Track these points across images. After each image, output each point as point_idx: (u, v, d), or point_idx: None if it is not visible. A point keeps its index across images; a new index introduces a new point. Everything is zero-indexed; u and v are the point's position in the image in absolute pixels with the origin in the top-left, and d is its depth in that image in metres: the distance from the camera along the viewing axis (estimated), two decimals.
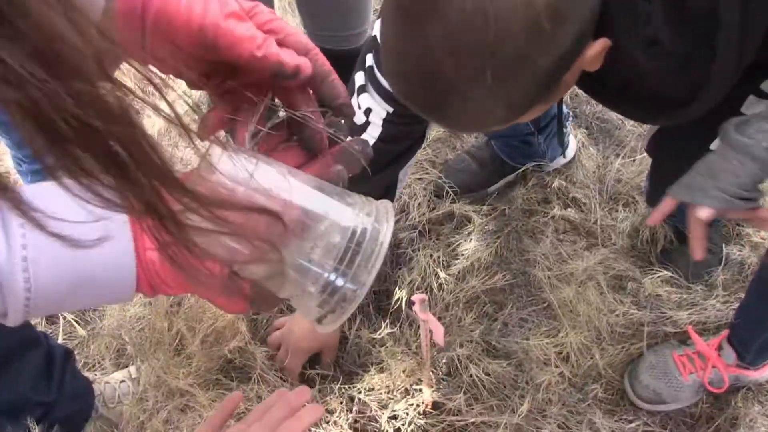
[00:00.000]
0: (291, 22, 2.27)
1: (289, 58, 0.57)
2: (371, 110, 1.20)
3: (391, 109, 1.18)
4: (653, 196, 1.28)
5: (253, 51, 0.55)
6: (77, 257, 0.54)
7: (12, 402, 1.29)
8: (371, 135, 1.23)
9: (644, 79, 0.94)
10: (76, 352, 1.47)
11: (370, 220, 0.54)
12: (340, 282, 0.53)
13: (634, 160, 1.90)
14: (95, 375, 1.55)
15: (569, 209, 1.83)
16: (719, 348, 1.44)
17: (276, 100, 0.63)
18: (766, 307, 1.34)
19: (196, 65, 0.59)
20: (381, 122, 1.21)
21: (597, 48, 0.85)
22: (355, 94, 1.22)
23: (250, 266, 0.54)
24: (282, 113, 0.62)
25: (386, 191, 1.34)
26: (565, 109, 1.84)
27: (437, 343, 1.20)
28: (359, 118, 1.22)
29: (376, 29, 1.15)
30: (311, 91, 0.62)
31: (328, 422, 1.38)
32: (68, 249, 0.48)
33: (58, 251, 0.51)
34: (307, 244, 0.53)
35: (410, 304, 1.48)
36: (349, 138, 0.62)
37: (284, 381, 1.47)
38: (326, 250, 0.53)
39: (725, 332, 1.45)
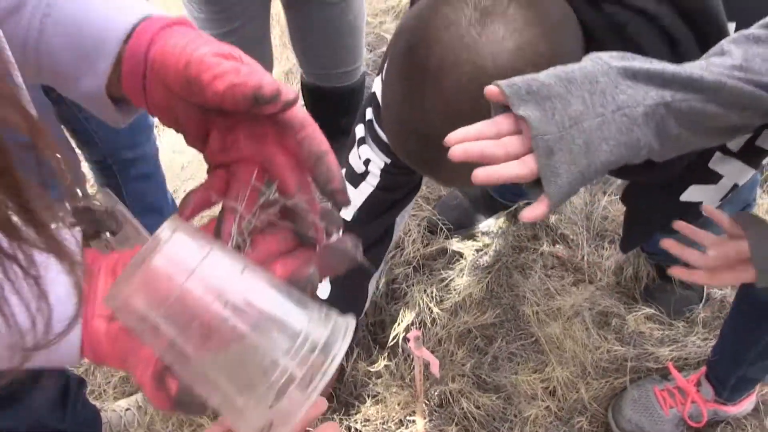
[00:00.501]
0: (288, 57, 2.35)
1: (272, 82, 0.53)
2: (370, 161, 1.28)
3: (388, 161, 1.26)
4: (626, 244, 1.36)
5: (231, 80, 0.52)
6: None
7: (30, 427, 1.35)
8: (370, 183, 1.30)
9: None
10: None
11: (321, 338, 0.49)
12: (269, 401, 0.48)
13: (620, 199, 1.98)
14: (102, 404, 1.62)
15: (557, 245, 1.91)
16: (698, 383, 1.52)
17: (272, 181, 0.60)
18: (740, 345, 1.41)
19: (190, 113, 0.58)
20: (379, 172, 1.28)
21: None
22: (356, 146, 1.30)
23: (177, 367, 0.50)
24: (273, 195, 0.59)
25: (385, 234, 1.42)
26: None
27: (433, 374, 1.28)
28: (359, 168, 1.30)
29: (375, 86, 1.22)
30: (309, 177, 0.59)
31: None
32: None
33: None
34: (236, 354, 0.49)
35: (405, 339, 1.55)
36: (341, 234, 0.59)
37: None
38: (261, 366, 0.48)
39: (704, 368, 1.52)
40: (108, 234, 0.87)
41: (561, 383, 1.58)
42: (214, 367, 0.49)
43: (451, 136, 0.75)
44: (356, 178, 1.31)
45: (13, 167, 0.37)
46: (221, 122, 0.59)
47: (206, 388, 0.50)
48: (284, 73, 2.35)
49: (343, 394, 1.60)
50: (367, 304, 1.53)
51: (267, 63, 1.80)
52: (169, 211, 1.72)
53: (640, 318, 1.71)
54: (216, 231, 0.57)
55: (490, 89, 0.75)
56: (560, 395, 1.57)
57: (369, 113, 1.26)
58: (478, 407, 1.53)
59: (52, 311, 0.44)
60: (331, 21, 1.71)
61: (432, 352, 1.58)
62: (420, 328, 1.67)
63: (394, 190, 1.32)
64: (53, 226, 0.42)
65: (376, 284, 1.64)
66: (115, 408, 1.62)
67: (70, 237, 0.46)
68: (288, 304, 0.51)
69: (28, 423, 1.35)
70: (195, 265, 0.48)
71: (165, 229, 0.50)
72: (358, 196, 1.33)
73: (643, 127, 0.74)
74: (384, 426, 1.51)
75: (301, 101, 2.08)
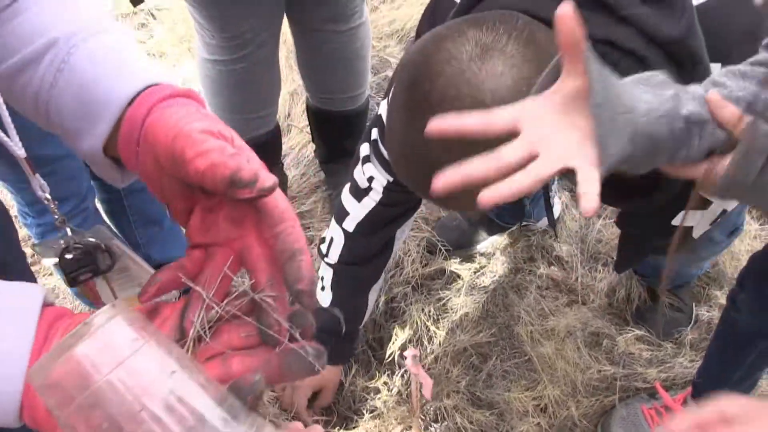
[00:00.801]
0: (294, 79, 2.43)
1: (251, 167, 0.53)
2: (373, 178, 1.35)
3: (391, 179, 1.33)
4: (620, 265, 1.41)
5: (213, 159, 0.52)
6: None
7: None
8: (372, 199, 1.38)
9: None
10: None
11: None
12: None
13: (615, 222, 2.04)
14: None
15: (552, 267, 1.97)
16: (684, 403, 1.57)
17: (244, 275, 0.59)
18: (724, 368, 1.47)
19: (175, 187, 0.58)
20: (382, 189, 1.35)
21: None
22: (360, 163, 1.37)
23: None
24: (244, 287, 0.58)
25: (385, 246, 1.49)
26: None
27: (425, 396, 1.34)
28: (363, 183, 1.37)
29: (381, 108, 1.29)
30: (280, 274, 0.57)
31: None
32: None
33: None
34: None
35: (402, 356, 1.62)
36: (304, 342, 0.55)
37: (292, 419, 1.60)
38: None
39: (689, 389, 1.58)
40: (101, 269, 0.92)
41: (552, 401, 1.64)
42: None
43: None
44: (360, 193, 1.38)
45: None
46: (204, 201, 0.59)
47: None
48: (289, 93, 2.43)
49: (342, 408, 1.66)
50: (368, 316, 1.59)
51: (275, 86, 1.88)
52: (168, 224, 1.79)
53: (630, 339, 1.78)
54: (180, 315, 0.56)
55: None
56: (551, 412, 1.63)
57: (374, 133, 1.33)
58: (471, 423, 1.59)
59: None
60: (338, 49, 1.78)
61: (428, 369, 1.65)
62: (417, 345, 1.73)
63: (395, 206, 1.39)
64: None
65: (376, 299, 1.71)
66: None
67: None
68: (215, 414, 0.48)
69: None
70: (120, 359, 0.46)
71: (104, 311, 0.48)
72: (360, 209, 1.40)
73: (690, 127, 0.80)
74: None
75: (305, 121, 2.15)
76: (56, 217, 0.85)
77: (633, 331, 1.79)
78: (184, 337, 0.55)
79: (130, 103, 0.60)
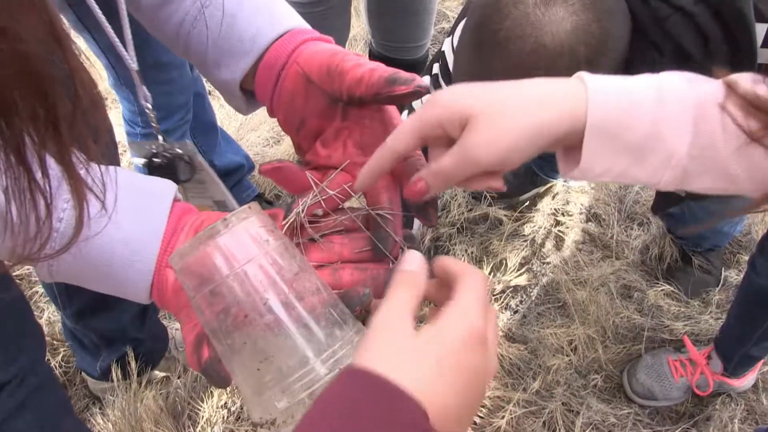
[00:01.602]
0: (352, 24, 2.50)
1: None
2: None
3: None
4: (657, 205, 1.47)
5: (371, 67, 0.60)
6: (101, 251, 0.59)
7: (114, 332, 1.55)
8: None
9: None
10: None
11: (345, 359, 0.50)
12: (296, 395, 0.49)
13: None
14: (169, 322, 1.81)
15: (590, 223, 2.07)
16: (708, 357, 1.67)
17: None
18: (745, 327, 1.56)
19: (319, 102, 0.64)
20: None
21: None
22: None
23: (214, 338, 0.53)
24: (354, 204, 0.62)
25: None
26: None
27: None
28: None
29: (445, 45, 1.38)
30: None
31: None
32: (94, 240, 0.56)
33: (87, 235, 0.55)
34: (269, 344, 0.50)
35: None
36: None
37: None
38: (290, 360, 0.50)
39: (713, 345, 1.68)
40: (181, 179, 0.99)
41: (582, 342, 1.74)
42: (245, 351, 0.50)
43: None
44: None
45: (47, 74, 0.36)
46: (338, 122, 0.64)
47: (232, 365, 0.52)
48: (349, 39, 2.51)
49: None
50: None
51: (345, 31, 1.96)
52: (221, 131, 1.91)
53: (659, 294, 1.87)
54: (286, 212, 0.62)
55: None
56: (581, 352, 1.74)
57: (435, 68, 1.42)
58: (507, 355, 1.71)
59: (52, 230, 0.44)
60: (409, 2, 1.87)
61: None
62: None
63: None
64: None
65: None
66: (179, 328, 1.81)
67: (97, 170, 0.45)
68: (327, 316, 0.52)
69: (116, 328, 1.55)
70: (251, 256, 0.51)
71: (241, 212, 0.53)
72: None
73: None
74: None
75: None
76: (153, 125, 0.93)
77: (663, 286, 1.89)
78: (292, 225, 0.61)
79: (269, 46, 0.66)
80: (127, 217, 0.60)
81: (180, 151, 0.97)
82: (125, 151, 2.17)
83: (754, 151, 0.59)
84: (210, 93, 2.30)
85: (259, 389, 0.50)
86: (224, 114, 2.36)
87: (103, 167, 0.45)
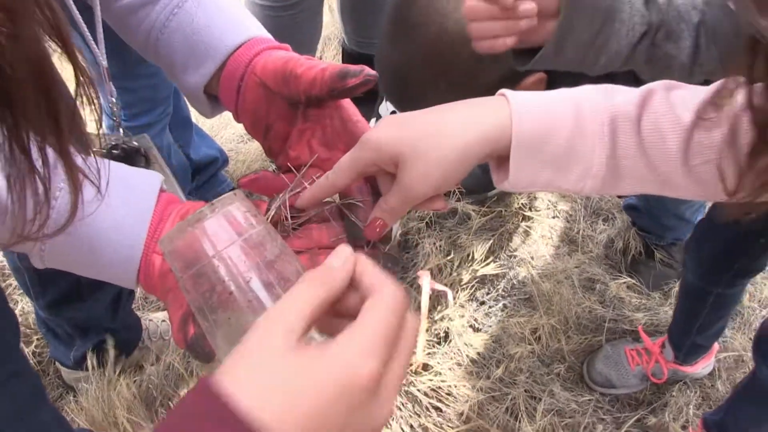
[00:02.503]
0: (325, 24, 2.55)
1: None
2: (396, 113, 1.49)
3: None
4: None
5: (322, 67, 0.63)
6: (92, 237, 0.62)
7: (87, 322, 1.58)
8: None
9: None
10: None
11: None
12: None
13: None
14: (142, 314, 1.84)
15: (556, 218, 2.13)
16: (662, 346, 1.74)
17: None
18: (685, 319, 1.63)
19: (280, 109, 0.68)
20: None
21: (532, 79, 1.07)
22: (384, 100, 1.51)
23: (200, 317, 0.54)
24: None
25: None
26: None
27: (448, 302, 1.49)
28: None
29: None
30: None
31: None
32: (85, 225, 0.58)
33: (78, 220, 0.55)
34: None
35: (416, 276, 1.78)
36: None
37: None
38: None
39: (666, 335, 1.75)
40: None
41: (546, 332, 1.80)
42: (229, 327, 0.52)
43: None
44: None
45: (53, 75, 0.40)
46: (301, 123, 0.68)
47: (216, 341, 0.54)
48: (323, 38, 2.55)
49: None
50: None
51: (317, 33, 1.99)
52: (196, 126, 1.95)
53: (621, 286, 1.94)
54: (268, 206, 0.67)
55: None
56: (544, 342, 1.79)
57: None
58: (470, 345, 1.76)
59: (50, 212, 0.47)
60: None
61: (437, 296, 1.81)
62: (432, 276, 1.89)
63: None
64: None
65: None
66: (152, 318, 1.84)
67: (92, 161, 0.50)
68: None
69: (89, 318, 1.57)
70: (235, 239, 0.53)
71: (227, 197, 0.55)
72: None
73: None
74: None
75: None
76: (115, 119, 0.97)
77: (625, 279, 1.95)
78: (270, 215, 0.66)
79: (233, 51, 0.70)
80: (117, 205, 0.64)
81: (137, 144, 1.01)
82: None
83: (697, 167, 0.65)
84: None
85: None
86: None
87: (97, 158, 0.49)
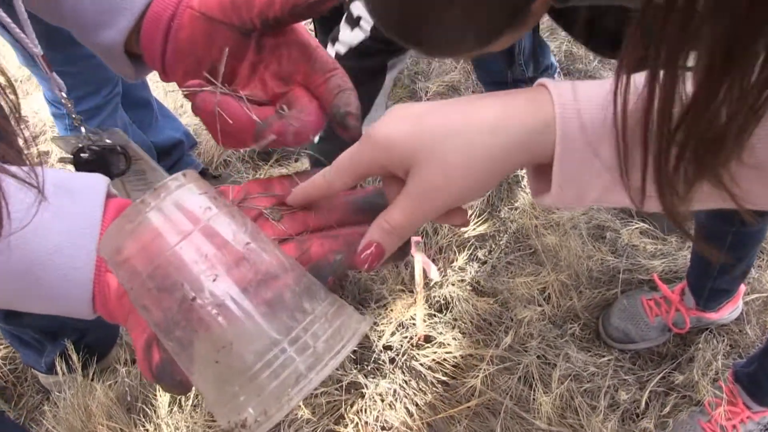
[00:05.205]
0: None
1: None
2: (361, 17, 1.33)
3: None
4: None
5: None
6: (30, 262, 0.52)
7: (52, 326, 1.45)
8: (363, 30, 1.35)
9: (603, 17, 1.03)
10: None
11: (322, 335, 0.44)
12: (263, 385, 0.42)
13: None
14: None
15: None
16: (682, 293, 1.60)
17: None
18: (701, 263, 1.50)
19: (229, 39, 0.59)
20: (369, 28, 1.34)
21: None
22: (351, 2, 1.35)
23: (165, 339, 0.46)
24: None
25: (377, 73, 1.46)
26: (553, 61, 1.96)
27: (431, 277, 1.35)
28: (355, 15, 1.36)
29: None
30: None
31: None
32: (18, 249, 0.49)
33: (11, 248, 0.50)
34: (224, 334, 0.43)
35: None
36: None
37: None
38: (236, 362, 0.42)
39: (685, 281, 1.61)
40: (114, 173, 0.90)
41: (555, 290, 1.66)
42: (199, 343, 0.43)
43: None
44: (353, 22, 1.36)
45: None
46: (252, 55, 0.59)
47: (186, 364, 0.44)
48: None
49: (347, 298, 1.69)
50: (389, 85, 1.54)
51: None
52: (156, 105, 1.80)
53: (634, 232, 1.78)
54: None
55: None
56: (554, 302, 1.65)
57: None
58: (476, 310, 1.62)
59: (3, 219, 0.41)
60: None
61: (433, 260, 1.66)
62: (422, 235, 1.74)
63: (384, 42, 1.37)
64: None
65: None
66: None
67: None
68: (292, 288, 0.45)
69: (54, 323, 1.45)
70: (192, 228, 0.44)
71: (174, 179, 0.46)
72: (352, 37, 1.37)
73: None
74: (387, 328, 1.60)
75: None
76: (74, 116, 0.83)
77: (638, 224, 1.80)
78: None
79: None
80: (55, 221, 0.52)
81: (109, 141, 0.87)
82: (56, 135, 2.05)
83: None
84: None
85: (221, 386, 0.43)
86: (161, 89, 2.23)
87: (28, 168, 0.40)
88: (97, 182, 0.56)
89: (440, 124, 0.50)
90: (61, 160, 0.89)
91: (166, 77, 0.62)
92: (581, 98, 0.49)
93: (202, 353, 0.43)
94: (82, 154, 0.86)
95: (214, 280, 0.43)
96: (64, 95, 0.78)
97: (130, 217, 0.44)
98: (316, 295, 0.46)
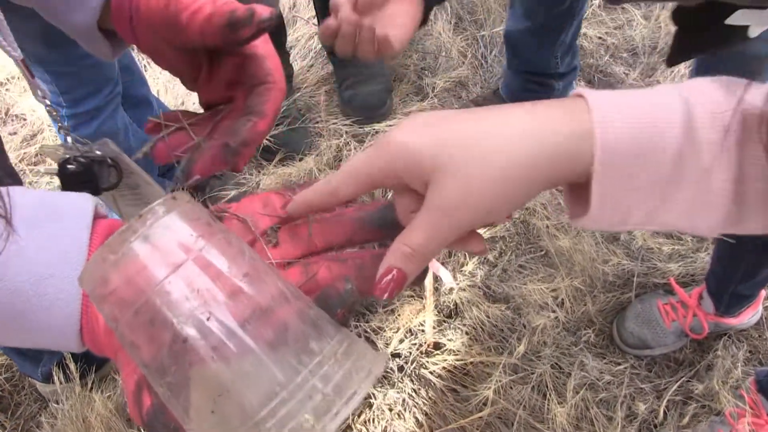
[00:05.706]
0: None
1: (245, 6, 0.52)
2: None
3: None
4: (672, 58, 1.26)
5: (207, 11, 0.52)
6: (12, 297, 0.47)
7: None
8: None
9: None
10: None
11: (333, 377, 0.39)
12: None
13: (670, 17, 1.95)
14: None
15: None
16: (700, 297, 1.54)
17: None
18: (724, 268, 1.44)
19: (179, 56, 0.58)
20: None
21: None
22: None
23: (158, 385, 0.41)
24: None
25: None
26: (578, 63, 1.90)
27: (445, 284, 1.30)
28: None
29: None
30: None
31: None
32: (3, 282, 0.46)
33: None
34: (213, 386, 0.38)
35: None
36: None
37: None
38: (235, 411, 0.38)
39: (704, 284, 1.55)
40: (102, 187, 0.85)
41: (569, 295, 1.61)
42: (192, 389, 0.39)
43: None
44: None
45: None
46: (207, 66, 0.58)
47: (179, 413, 0.40)
48: None
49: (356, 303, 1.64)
50: None
51: None
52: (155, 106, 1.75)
53: (649, 233, 1.73)
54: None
55: None
56: (568, 307, 1.60)
57: None
58: (488, 317, 1.57)
59: None
60: None
61: (443, 263, 1.61)
62: None
63: None
64: None
65: None
66: None
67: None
68: (296, 325, 0.41)
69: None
70: (183, 259, 0.40)
71: (162, 204, 0.42)
72: None
73: None
74: (395, 334, 1.55)
75: (311, 12, 2.04)
76: (60, 124, 0.79)
77: None
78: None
79: None
80: (38, 248, 0.48)
81: (99, 152, 0.82)
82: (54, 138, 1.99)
83: None
84: (145, 67, 2.12)
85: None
86: (161, 85, 2.18)
87: (2, 189, 0.38)
88: (83, 204, 0.52)
89: (462, 130, 0.44)
90: (47, 172, 0.83)
91: (142, 50, 0.60)
92: (623, 106, 0.43)
93: (196, 401, 0.38)
94: (68, 166, 0.79)
95: (207, 319, 0.38)
96: (48, 102, 0.73)
97: (113, 247, 0.40)
98: (324, 332, 0.41)
